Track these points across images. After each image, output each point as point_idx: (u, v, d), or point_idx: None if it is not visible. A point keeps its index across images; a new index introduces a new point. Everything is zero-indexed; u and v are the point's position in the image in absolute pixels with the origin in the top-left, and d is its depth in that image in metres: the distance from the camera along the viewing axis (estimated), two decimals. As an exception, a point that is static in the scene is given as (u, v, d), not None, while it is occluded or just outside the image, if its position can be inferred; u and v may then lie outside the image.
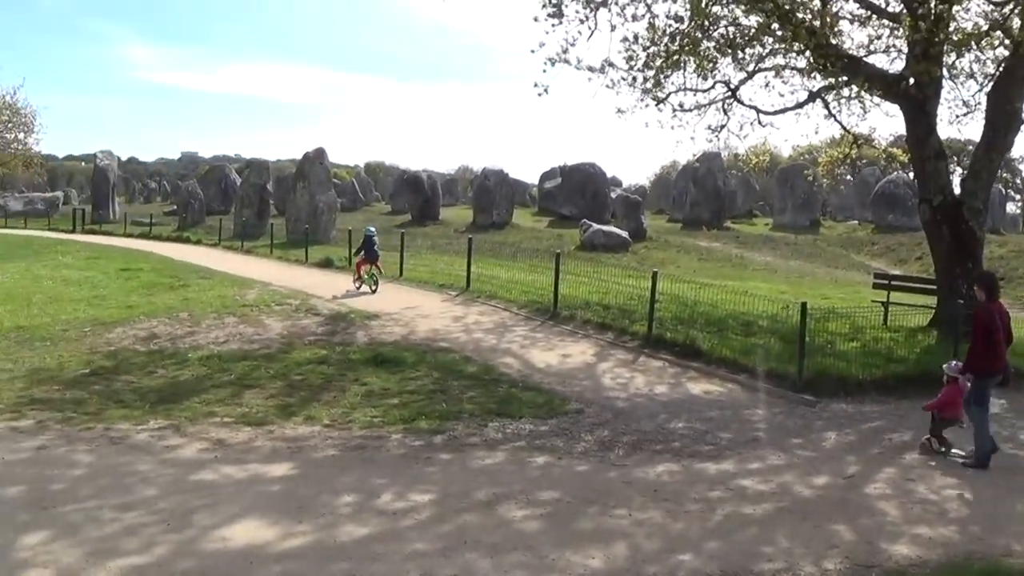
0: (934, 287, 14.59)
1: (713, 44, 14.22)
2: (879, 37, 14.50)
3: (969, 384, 7.85)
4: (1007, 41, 13.37)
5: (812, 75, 14.49)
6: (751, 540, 5.87)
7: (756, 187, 56.88)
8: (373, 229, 19.11)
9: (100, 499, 6.12)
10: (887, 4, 14.30)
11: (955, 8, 12.60)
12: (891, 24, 13.98)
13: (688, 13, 13.49)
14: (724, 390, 10.33)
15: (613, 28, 14.05)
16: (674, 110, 15.70)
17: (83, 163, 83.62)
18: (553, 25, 13.74)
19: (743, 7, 13.17)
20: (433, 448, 7.62)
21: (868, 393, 10.26)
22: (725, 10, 13.64)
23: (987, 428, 7.76)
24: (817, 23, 12.66)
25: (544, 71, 13.96)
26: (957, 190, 13.82)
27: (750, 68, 15.07)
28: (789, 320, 13.13)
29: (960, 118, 15.92)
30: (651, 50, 14.04)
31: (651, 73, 14.31)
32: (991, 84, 14.31)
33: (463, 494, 6.47)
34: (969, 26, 13.56)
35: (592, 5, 13.69)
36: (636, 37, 14.13)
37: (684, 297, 14.70)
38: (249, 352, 11.28)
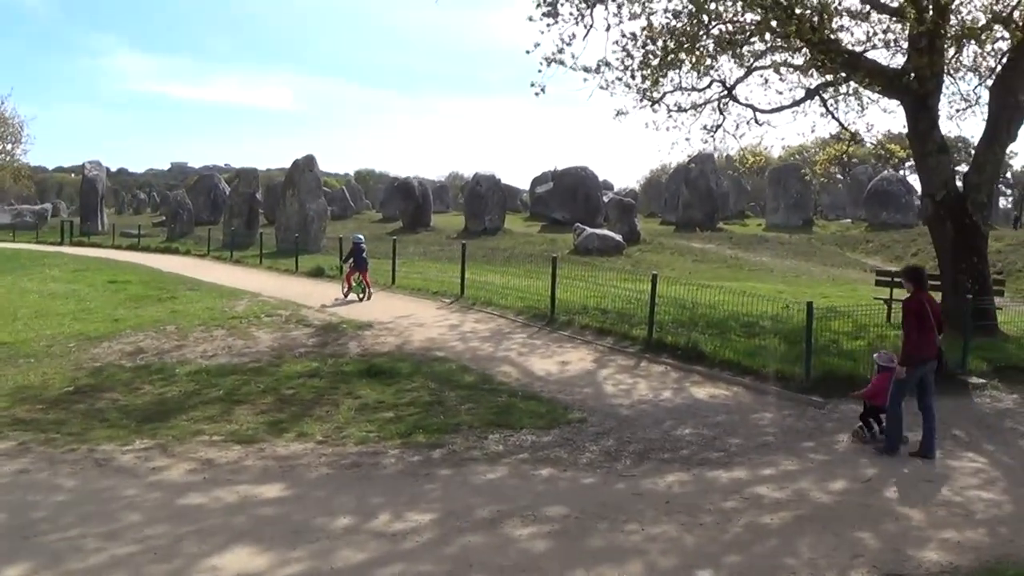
0: (938, 283, 14.37)
1: (712, 41, 14.01)
2: (879, 33, 14.33)
3: (904, 373, 7.88)
4: (1005, 34, 13.23)
5: (810, 72, 14.35)
6: (772, 552, 5.60)
7: (747, 188, 56.84)
8: (361, 237, 18.40)
9: (84, 527, 5.78)
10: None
11: (957, 0, 12.44)
12: (891, 19, 13.79)
13: (687, 9, 13.27)
14: (729, 393, 10.06)
15: (608, 28, 13.83)
16: (669, 111, 15.63)
17: (72, 175, 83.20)
18: (548, 25, 13.52)
19: (743, 2, 12.95)
20: (432, 463, 7.30)
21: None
22: (725, 5, 13.42)
23: (902, 414, 7.93)
24: (817, 19, 12.46)
25: (539, 71, 13.73)
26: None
27: (748, 64, 14.88)
28: (791, 320, 12.92)
29: (960, 112, 15.88)
30: (648, 48, 13.81)
31: (647, 72, 14.09)
32: (994, 77, 14.21)
33: (465, 512, 6.15)
34: (970, 19, 13.47)
35: (588, 2, 13.45)
36: (633, 35, 13.92)
37: (683, 299, 14.48)
38: (238, 366, 10.95)
